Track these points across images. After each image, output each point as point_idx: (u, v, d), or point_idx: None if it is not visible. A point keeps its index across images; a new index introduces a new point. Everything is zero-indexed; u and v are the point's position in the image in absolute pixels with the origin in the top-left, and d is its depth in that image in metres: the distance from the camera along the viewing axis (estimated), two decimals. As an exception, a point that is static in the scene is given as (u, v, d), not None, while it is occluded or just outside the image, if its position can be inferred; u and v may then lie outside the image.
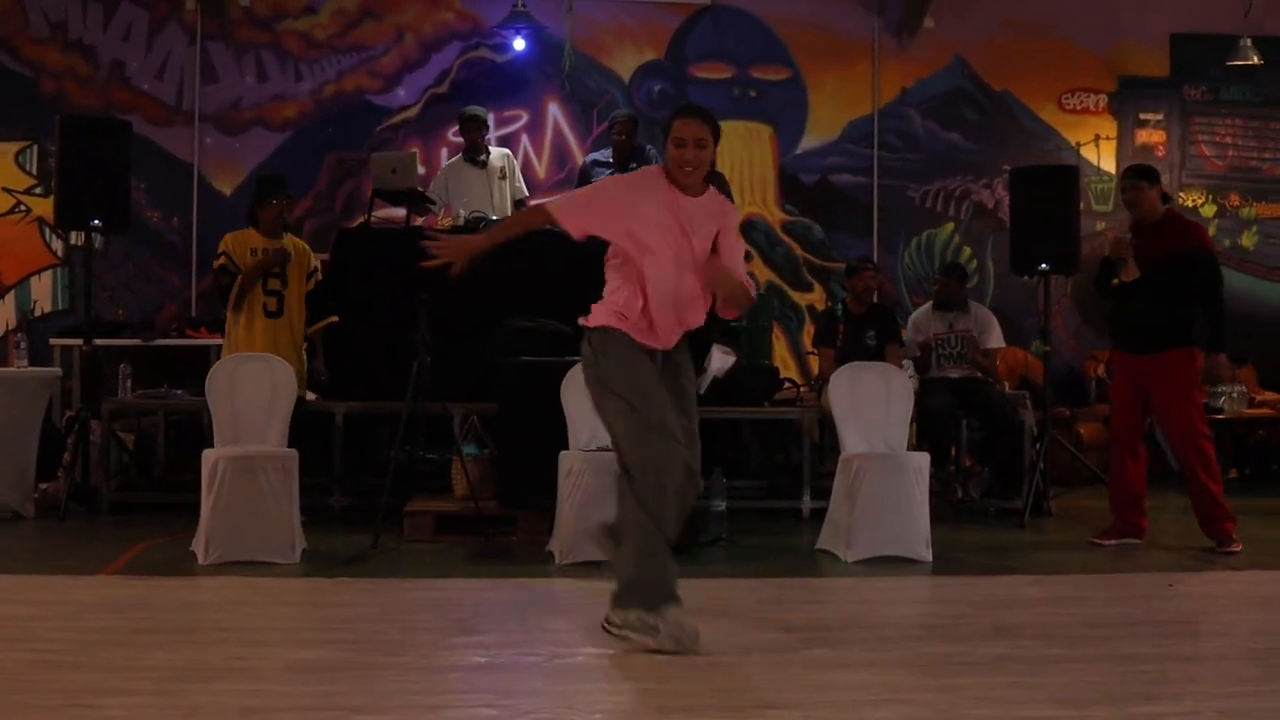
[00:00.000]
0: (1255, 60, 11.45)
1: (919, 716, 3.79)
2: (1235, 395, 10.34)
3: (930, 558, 6.59)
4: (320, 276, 7.96)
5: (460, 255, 4.57)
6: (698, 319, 4.86)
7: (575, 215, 4.70)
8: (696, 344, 8.04)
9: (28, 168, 11.19)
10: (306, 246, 7.99)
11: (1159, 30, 11.92)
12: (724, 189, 9.46)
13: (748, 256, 11.47)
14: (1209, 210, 12.01)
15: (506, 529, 6.96)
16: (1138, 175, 7.27)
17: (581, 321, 4.77)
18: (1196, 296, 7.06)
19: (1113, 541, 7.18)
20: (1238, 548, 6.90)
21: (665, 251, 4.63)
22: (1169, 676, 4.33)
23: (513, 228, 5.08)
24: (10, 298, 11.05)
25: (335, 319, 7.96)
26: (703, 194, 4.78)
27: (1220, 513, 6.99)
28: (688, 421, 4.70)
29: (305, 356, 7.85)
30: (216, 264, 7.79)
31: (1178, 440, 7.21)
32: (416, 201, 8.90)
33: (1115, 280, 7.18)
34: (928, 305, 9.10)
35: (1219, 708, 3.88)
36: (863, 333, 8.53)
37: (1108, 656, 4.56)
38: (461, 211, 8.84)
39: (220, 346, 8.74)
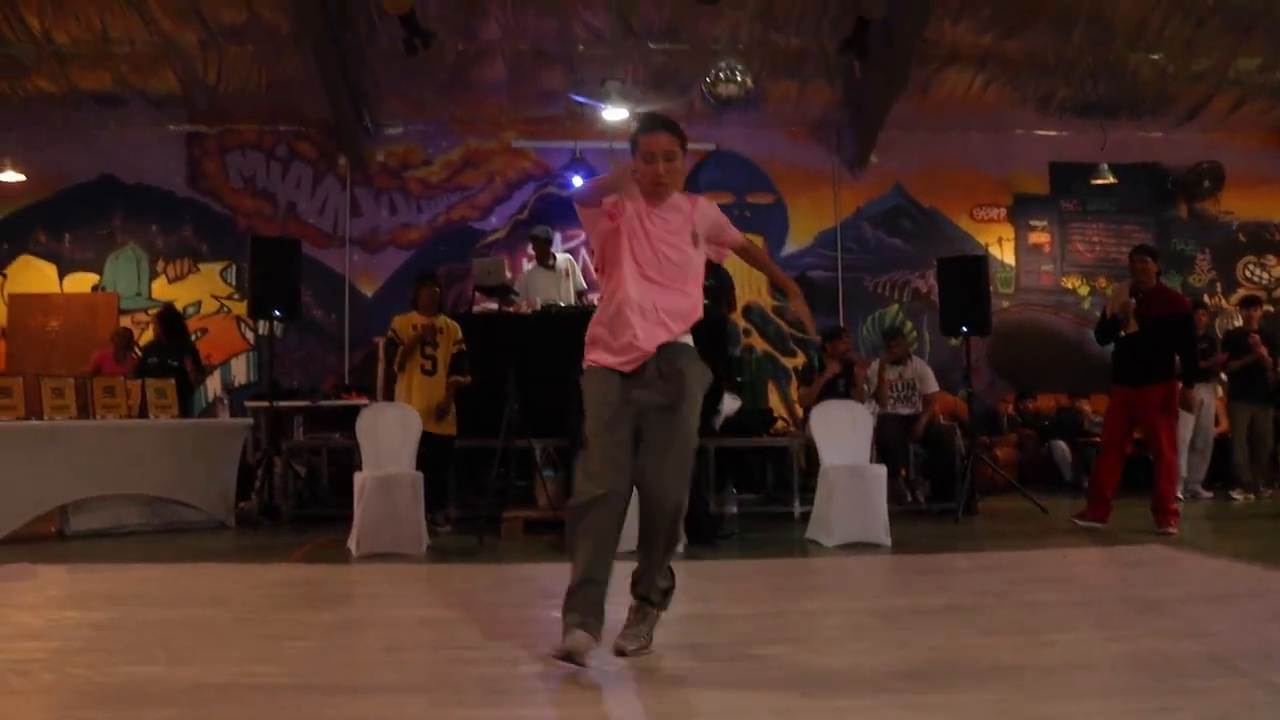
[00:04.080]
0: (1112, 180, 11.62)
1: (883, 647, 3.72)
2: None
3: (890, 542, 6.50)
4: (465, 347, 7.74)
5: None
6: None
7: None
8: (710, 392, 8.10)
9: (229, 280, 11.36)
10: (456, 324, 7.81)
11: (1041, 160, 12.03)
12: (728, 286, 9.49)
13: (747, 333, 11.56)
14: (1084, 290, 11.98)
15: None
16: (1144, 253, 7.28)
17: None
18: (1180, 346, 7.10)
19: (1084, 523, 7.19)
20: (1173, 530, 6.80)
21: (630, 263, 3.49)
22: (1065, 615, 4.23)
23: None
24: (217, 374, 11.18)
25: (468, 379, 7.67)
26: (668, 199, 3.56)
27: (1167, 507, 6.91)
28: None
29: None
30: (387, 338, 7.87)
31: (1156, 450, 7.10)
32: (505, 294, 8.95)
33: (1121, 333, 7.19)
34: (883, 358, 9.02)
35: (1106, 636, 3.81)
36: (835, 381, 8.49)
37: (1021, 604, 4.48)
38: (538, 300, 8.90)
39: (365, 405, 8.78)
